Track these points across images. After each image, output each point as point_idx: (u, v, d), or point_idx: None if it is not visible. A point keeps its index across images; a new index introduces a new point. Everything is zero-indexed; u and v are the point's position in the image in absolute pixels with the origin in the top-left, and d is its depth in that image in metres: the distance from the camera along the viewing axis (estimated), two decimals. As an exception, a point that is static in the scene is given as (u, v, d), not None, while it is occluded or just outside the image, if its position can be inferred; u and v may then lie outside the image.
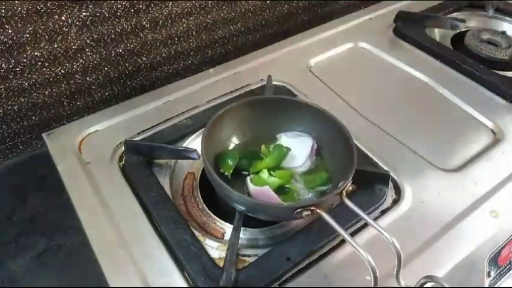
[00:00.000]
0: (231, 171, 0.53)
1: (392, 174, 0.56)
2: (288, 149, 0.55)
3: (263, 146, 0.56)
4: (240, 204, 0.48)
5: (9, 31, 0.55)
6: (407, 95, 0.71)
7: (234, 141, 0.57)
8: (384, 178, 0.55)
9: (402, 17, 0.83)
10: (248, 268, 0.46)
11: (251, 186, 0.51)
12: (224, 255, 0.46)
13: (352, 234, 0.50)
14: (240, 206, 0.48)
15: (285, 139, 0.56)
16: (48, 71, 0.61)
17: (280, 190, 0.51)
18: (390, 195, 0.55)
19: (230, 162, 0.53)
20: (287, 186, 0.52)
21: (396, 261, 0.41)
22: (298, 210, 0.43)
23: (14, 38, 0.56)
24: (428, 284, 0.41)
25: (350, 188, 0.46)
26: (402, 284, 0.41)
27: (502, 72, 0.73)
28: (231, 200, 0.48)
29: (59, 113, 0.66)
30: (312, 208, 0.43)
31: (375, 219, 0.51)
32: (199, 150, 0.58)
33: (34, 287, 0.48)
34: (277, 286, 0.46)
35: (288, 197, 0.51)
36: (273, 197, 0.49)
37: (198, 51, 0.76)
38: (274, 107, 0.57)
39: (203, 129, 0.62)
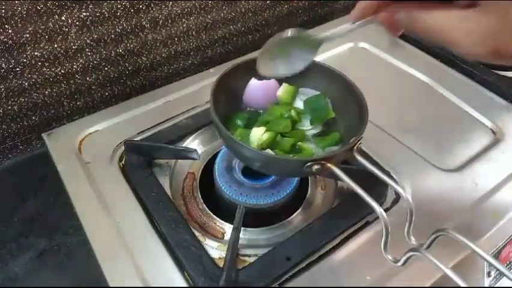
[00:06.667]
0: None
1: (392, 174, 0.56)
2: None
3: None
4: (252, 160, 0.47)
5: (9, 31, 0.55)
6: (407, 95, 0.71)
7: (243, 100, 0.55)
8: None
9: (402, 17, 0.83)
10: (248, 268, 0.46)
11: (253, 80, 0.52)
12: (224, 255, 0.46)
13: (352, 235, 0.50)
14: (255, 163, 0.47)
15: (296, 99, 0.55)
16: (48, 71, 0.61)
17: (292, 149, 0.49)
18: (390, 195, 0.55)
19: (240, 123, 0.51)
20: (299, 143, 0.50)
21: (408, 217, 0.39)
22: (308, 164, 0.42)
23: (14, 38, 0.56)
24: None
25: (361, 145, 0.45)
26: (413, 242, 0.40)
27: (502, 72, 0.73)
28: (241, 156, 0.47)
29: (59, 113, 0.66)
30: (322, 162, 0.42)
31: (376, 219, 0.51)
32: (199, 150, 0.58)
33: (34, 287, 0.48)
34: (277, 286, 0.46)
35: (301, 156, 0.49)
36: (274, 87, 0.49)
37: (198, 51, 0.76)
38: None
39: (203, 128, 0.63)
